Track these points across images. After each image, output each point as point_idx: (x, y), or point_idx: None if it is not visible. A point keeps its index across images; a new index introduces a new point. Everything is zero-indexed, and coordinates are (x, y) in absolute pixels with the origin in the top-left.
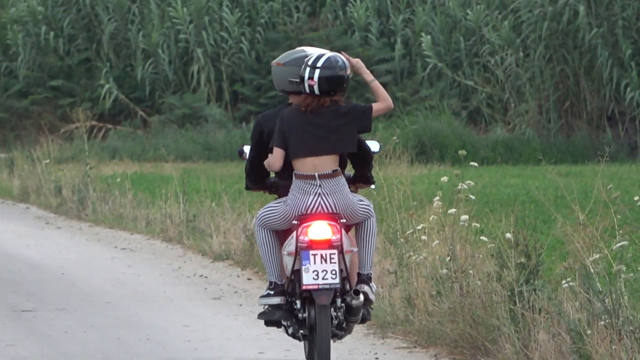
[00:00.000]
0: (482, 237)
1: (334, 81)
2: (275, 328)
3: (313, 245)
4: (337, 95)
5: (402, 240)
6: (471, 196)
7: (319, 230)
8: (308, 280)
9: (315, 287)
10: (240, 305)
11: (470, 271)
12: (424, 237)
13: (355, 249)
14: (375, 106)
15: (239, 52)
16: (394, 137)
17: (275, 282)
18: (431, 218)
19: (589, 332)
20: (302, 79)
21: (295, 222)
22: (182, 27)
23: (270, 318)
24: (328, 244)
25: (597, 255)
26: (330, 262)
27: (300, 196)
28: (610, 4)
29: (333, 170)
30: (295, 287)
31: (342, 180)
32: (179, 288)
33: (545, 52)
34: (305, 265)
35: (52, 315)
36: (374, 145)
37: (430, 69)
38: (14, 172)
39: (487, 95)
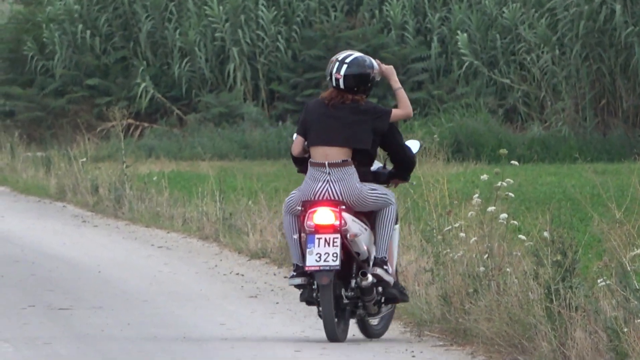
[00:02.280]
0: (520, 236)
1: (359, 78)
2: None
3: (319, 229)
4: (360, 95)
5: (439, 237)
6: (510, 194)
7: (324, 215)
8: (311, 262)
9: (317, 268)
10: (277, 303)
11: (507, 269)
12: (462, 235)
13: (360, 234)
14: (395, 111)
15: (275, 51)
16: (435, 136)
17: (297, 264)
18: (470, 214)
19: (625, 330)
20: (331, 73)
21: (299, 207)
22: (218, 25)
23: (304, 299)
24: (332, 229)
25: (635, 253)
26: (333, 246)
27: (310, 182)
28: None
29: (343, 160)
30: None
31: (351, 169)
32: (216, 286)
33: (582, 50)
34: (310, 248)
35: (89, 314)
36: (414, 145)
37: (467, 67)
38: (51, 170)
39: (524, 93)
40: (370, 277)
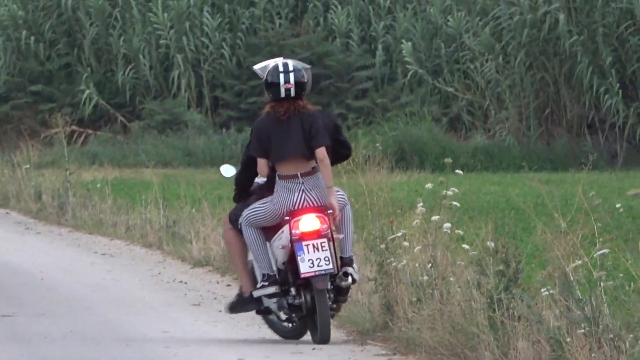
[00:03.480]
0: (463, 245)
1: (302, 85)
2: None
3: (304, 236)
4: (303, 98)
5: (382, 246)
6: (456, 203)
7: (309, 222)
8: (305, 269)
9: (312, 274)
10: (220, 311)
11: (451, 278)
12: (405, 244)
13: (341, 236)
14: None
15: (219, 58)
16: (377, 144)
17: (267, 274)
18: (415, 223)
19: (568, 339)
20: (277, 84)
21: (287, 217)
22: (162, 32)
23: (261, 310)
24: (317, 234)
25: (577, 263)
26: (322, 250)
27: (285, 194)
28: (591, 12)
29: (312, 168)
30: (288, 276)
31: (319, 175)
32: (159, 294)
33: (526, 59)
34: (300, 255)
35: (32, 320)
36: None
37: (411, 76)
38: None
39: (468, 102)
40: (350, 277)
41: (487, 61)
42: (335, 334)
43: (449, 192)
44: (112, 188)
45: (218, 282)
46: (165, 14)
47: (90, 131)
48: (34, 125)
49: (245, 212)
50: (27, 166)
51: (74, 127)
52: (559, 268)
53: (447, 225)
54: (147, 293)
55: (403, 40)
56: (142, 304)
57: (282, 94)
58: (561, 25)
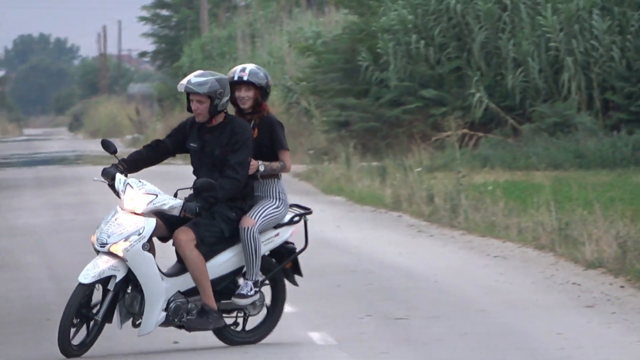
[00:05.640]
0: None
1: None
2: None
3: None
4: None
5: None
6: None
7: None
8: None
9: None
10: (614, 313)
11: None
12: None
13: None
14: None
15: (609, 61)
16: None
17: (261, 281)
18: None
19: None
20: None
21: (297, 218)
22: (552, 35)
23: (219, 323)
24: None
25: None
26: None
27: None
28: None
29: None
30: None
31: None
32: (551, 296)
33: None
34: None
35: (426, 323)
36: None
37: None
38: (386, 180)
39: None
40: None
41: None
42: None
43: None
44: (503, 191)
45: (611, 284)
46: (555, 17)
47: (481, 134)
48: (425, 129)
49: (260, 219)
50: (419, 169)
51: (465, 130)
52: None
53: None
54: (540, 295)
55: None
56: (535, 307)
57: None
58: None
